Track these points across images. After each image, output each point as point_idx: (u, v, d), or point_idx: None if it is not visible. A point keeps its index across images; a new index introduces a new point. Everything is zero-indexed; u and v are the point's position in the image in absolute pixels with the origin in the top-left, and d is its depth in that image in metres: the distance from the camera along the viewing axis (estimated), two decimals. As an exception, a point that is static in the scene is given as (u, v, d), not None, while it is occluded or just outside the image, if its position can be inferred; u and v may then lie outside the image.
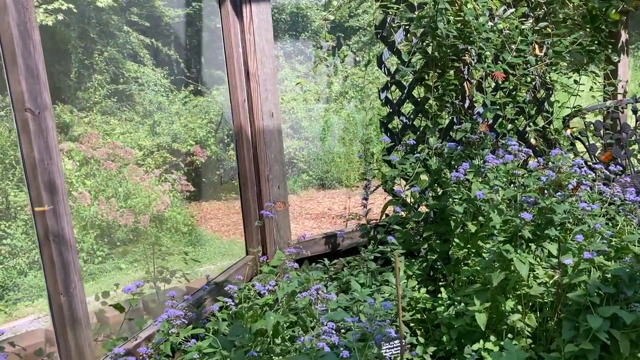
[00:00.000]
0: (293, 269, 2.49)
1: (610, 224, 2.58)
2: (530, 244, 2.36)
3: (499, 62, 2.95)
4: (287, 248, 2.87)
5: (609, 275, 2.17)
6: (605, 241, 2.38)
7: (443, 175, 2.91)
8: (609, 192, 2.64)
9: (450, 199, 2.64)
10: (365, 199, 2.92)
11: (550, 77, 3.57)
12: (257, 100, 2.86)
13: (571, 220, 2.45)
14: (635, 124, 4.00)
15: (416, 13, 2.81)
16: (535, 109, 3.46)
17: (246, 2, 2.77)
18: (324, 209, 9.04)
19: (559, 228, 2.43)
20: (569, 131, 3.71)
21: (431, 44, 2.83)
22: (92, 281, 6.33)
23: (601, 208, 2.60)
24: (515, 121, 3.35)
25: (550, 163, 2.46)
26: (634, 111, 3.95)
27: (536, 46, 3.38)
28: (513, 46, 2.98)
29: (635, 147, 4.00)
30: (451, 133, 3.20)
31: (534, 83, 3.42)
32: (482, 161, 2.65)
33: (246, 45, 2.81)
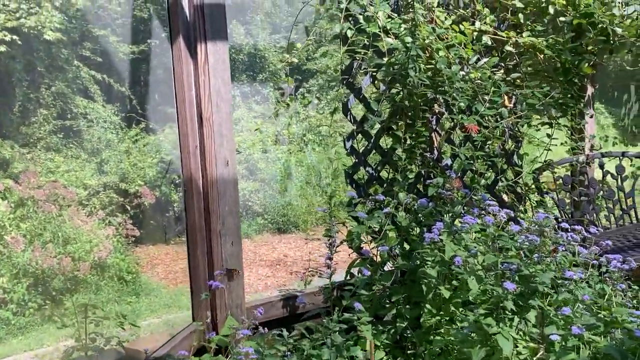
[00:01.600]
0: (247, 337, 2.18)
1: (593, 291, 2.39)
2: (513, 316, 2.13)
3: (472, 114, 2.78)
4: (240, 314, 2.55)
5: (599, 355, 1.95)
6: (591, 312, 2.18)
7: (412, 232, 2.68)
8: (590, 257, 2.46)
9: (422, 261, 2.39)
10: (330, 258, 2.64)
11: (519, 130, 3.44)
12: (211, 147, 2.57)
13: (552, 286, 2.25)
14: (602, 179, 3.91)
15: (385, 59, 2.61)
16: (505, 162, 3.31)
17: (201, 40, 2.51)
18: (280, 255, 8.68)
19: (540, 296, 2.21)
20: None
21: (401, 92, 2.64)
22: (22, 336, 5.73)
23: (584, 274, 2.42)
24: (485, 175, 3.18)
25: (533, 226, 2.26)
26: (601, 166, 3.86)
27: (505, 97, 3.24)
28: (486, 97, 2.82)
29: (603, 202, 3.90)
30: (418, 186, 2.99)
31: (504, 135, 3.27)
32: (454, 220, 2.43)
33: (200, 87, 2.54)
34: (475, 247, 2.27)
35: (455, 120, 2.64)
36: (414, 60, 2.51)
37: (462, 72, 2.82)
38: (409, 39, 2.51)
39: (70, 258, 6.11)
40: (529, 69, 3.18)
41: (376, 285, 2.62)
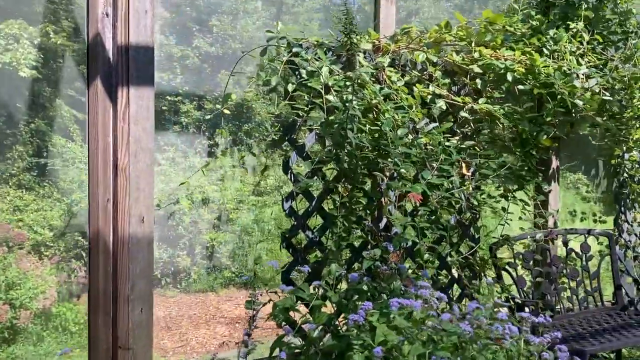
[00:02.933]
0: None
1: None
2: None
3: (419, 181, 2.56)
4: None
5: None
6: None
7: (348, 308, 2.41)
8: (538, 349, 2.20)
9: (349, 346, 2.11)
10: (248, 335, 2.34)
11: (477, 200, 3.23)
12: (125, 201, 2.32)
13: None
14: (566, 257, 3.68)
15: (323, 116, 2.41)
16: (459, 234, 3.08)
17: (123, 84, 2.30)
18: (242, 312, 8.27)
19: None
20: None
21: (340, 154, 2.42)
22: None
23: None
24: (437, 246, 2.94)
25: (467, 316, 2.00)
26: (565, 243, 3.64)
27: (463, 165, 3.05)
28: (435, 164, 2.61)
29: (565, 280, 3.66)
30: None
31: (459, 205, 3.06)
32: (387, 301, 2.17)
33: (118, 135, 2.32)
34: (410, 334, 2.00)
35: (398, 188, 2.41)
36: (352, 120, 2.30)
37: (410, 137, 2.62)
38: (349, 97, 2.32)
39: (9, 305, 5.71)
40: (486, 137, 3.00)
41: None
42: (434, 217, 2.66)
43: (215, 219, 10.76)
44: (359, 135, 2.44)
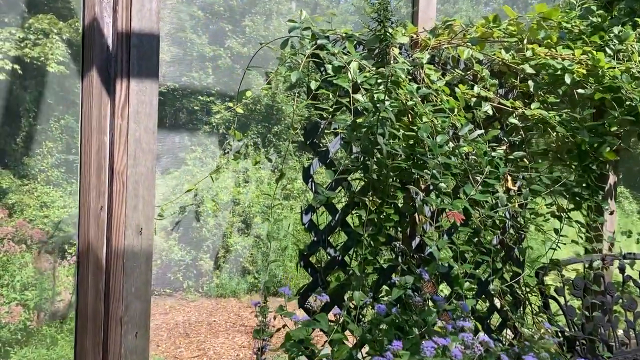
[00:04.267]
0: None
1: None
2: None
3: (460, 197, 2.20)
4: None
5: None
6: None
7: (373, 344, 2.07)
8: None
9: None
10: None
11: (524, 219, 2.85)
12: (121, 210, 2.03)
13: None
14: (622, 286, 3.26)
15: (351, 118, 2.08)
16: (502, 258, 2.70)
17: (122, 76, 2.01)
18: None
19: None
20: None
21: (368, 162, 2.09)
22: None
23: None
24: (477, 270, 2.58)
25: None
26: (621, 269, 3.22)
27: (509, 179, 2.68)
28: (479, 177, 2.25)
29: (622, 313, 3.23)
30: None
31: (503, 224, 2.69)
32: (423, 336, 1.82)
33: (115, 134, 2.03)
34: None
35: (435, 204, 2.06)
36: (383, 123, 1.96)
37: (451, 145, 2.27)
38: (381, 97, 1.98)
39: (23, 306, 5.52)
40: (538, 147, 2.63)
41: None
42: (475, 238, 2.30)
43: (241, 222, 10.50)
44: (391, 141, 2.10)
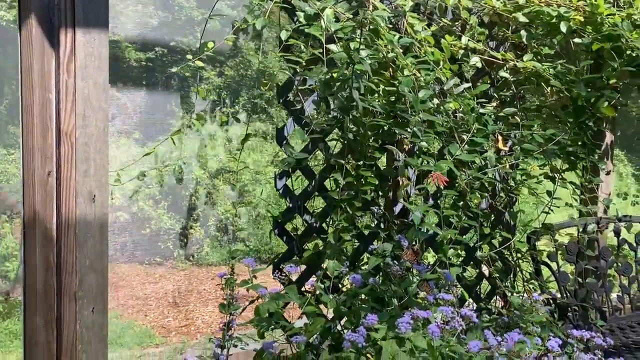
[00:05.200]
0: None
1: None
2: None
3: (446, 158, 2.02)
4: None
5: None
6: None
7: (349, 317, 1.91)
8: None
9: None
10: (222, 347, 1.87)
11: (515, 181, 2.68)
12: (70, 175, 1.84)
13: None
14: (617, 249, 3.11)
15: (324, 71, 1.88)
16: (491, 222, 2.55)
17: (67, 26, 1.80)
18: (252, 292, 7.88)
19: None
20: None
21: (344, 120, 1.90)
22: None
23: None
24: (463, 237, 2.41)
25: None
26: (616, 233, 3.07)
27: (500, 138, 2.49)
28: (465, 136, 2.07)
29: (616, 278, 3.10)
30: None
31: (492, 187, 2.52)
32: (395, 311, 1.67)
33: (61, 90, 1.82)
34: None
35: (414, 165, 1.88)
36: (359, 77, 1.77)
37: (435, 101, 2.08)
38: (356, 46, 1.78)
39: (3, 278, 5.35)
40: (530, 103, 2.43)
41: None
42: (461, 202, 2.13)
43: (231, 191, 10.33)
44: (369, 97, 1.91)
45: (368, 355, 1.56)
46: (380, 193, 2.15)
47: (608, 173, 2.45)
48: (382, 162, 2.27)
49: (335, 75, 1.90)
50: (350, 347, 1.53)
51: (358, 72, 1.78)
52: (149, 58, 12.19)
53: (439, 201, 2.34)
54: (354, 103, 1.80)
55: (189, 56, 1.89)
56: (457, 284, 2.11)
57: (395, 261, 1.88)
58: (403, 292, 1.83)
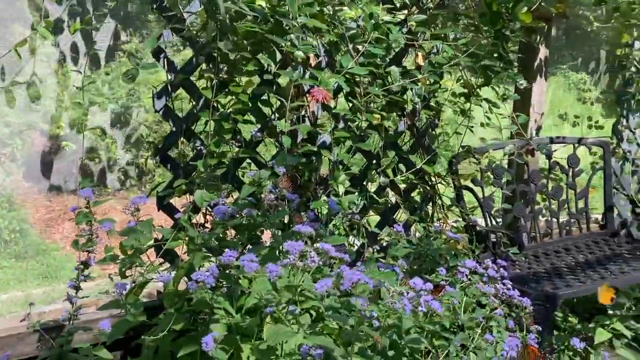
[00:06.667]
0: None
1: None
2: None
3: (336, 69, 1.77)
4: None
5: None
6: None
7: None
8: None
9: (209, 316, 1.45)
10: (76, 288, 1.66)
11: (436, 101, 2.45)
12: None
13: None
14: (548, 172, 2.95)
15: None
16: (412, 146, 2.35)
17: None
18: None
19: None
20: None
21: (208, 25, 1.61)
22: None
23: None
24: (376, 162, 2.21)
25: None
26: (548, 155, 2.90)
27: (420, 54, 2.24)
28: (362, 47, 1.81)
29: (545, 202, 2.96)
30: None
31: (411, 107, 2.29)
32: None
33: None
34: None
35: (295, 79, 1.63)
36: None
37: (330, 9, 1.79)
38: None
39: None
40: (444, 10, 2.16)
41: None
42: (357, 121, 1.90)
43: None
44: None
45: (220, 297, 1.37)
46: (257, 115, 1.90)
47: (524, 88, 2.20)
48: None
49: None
50: (195, 288, 1.33)
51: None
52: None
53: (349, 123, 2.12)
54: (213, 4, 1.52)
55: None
56: (355, 214, 1.92)
57: (274, 190, 1.66)
58: (281, 224, 1.63)
